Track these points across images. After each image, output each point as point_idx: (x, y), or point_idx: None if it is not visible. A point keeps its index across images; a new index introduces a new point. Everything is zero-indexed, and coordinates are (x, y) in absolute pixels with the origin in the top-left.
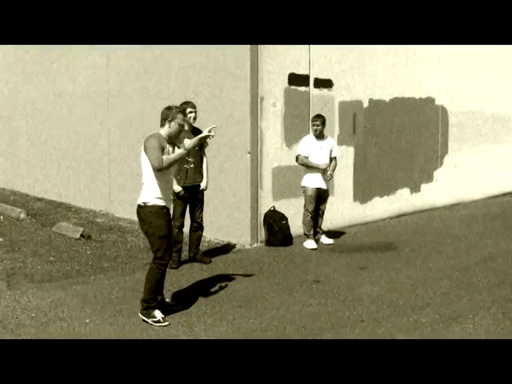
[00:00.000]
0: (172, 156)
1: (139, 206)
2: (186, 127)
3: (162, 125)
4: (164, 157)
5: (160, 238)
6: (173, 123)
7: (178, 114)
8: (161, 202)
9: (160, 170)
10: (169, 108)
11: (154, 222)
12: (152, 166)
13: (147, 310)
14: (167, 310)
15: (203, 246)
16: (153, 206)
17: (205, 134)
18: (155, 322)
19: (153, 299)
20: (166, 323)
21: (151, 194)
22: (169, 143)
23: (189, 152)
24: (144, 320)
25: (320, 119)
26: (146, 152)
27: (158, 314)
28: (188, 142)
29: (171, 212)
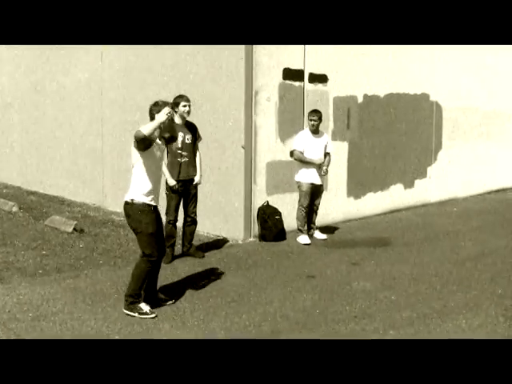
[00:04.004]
0: (150, 123)
1: (126, 203)
2: (180, 121)
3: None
4: (143, 126)
5: (148, 236)
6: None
7: (165, 107)
8: (148, 200)
9: (145, 139)
10: (156, 104)
11: (141, 220)
12: (136, 137)
13: (132, 304)
14: (159, 305)
15: (196, 241)
16: (140, 204)
17: (163, 116)
18: (142, 314)
19: (138, 295)
20: (153, 315)
21: (139, 190)
22: (160, 138)
23: (182, 146)
24: (129, 315)
25: (317, 114)
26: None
27: (144, 306)
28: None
29: (165, 206)
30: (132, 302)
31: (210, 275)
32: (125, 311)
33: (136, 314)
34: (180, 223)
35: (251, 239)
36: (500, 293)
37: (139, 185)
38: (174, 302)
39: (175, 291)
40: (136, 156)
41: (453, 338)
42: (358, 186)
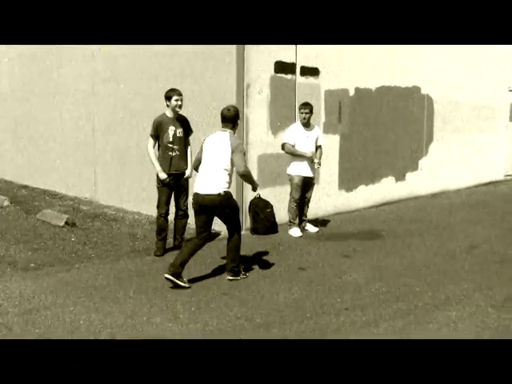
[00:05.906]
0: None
1: (219, 195)
2: (172, 115)
3: (232, 126)
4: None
5: (238, 213)
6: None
7: None
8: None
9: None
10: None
11: (234, 203)
12: (238, 168)
13: (237, 272)
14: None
15: (188, 234)
16: (229, 192)
17: None
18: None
19: (238, 264)
20: (246, 275)
21: (227, 182)
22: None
23: (173, 140)
24: (235, 279)
25: (308, 107)
26: (235, 151)
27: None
28: None
29: (156, 200)
30: (238, 271)
31: (202, 268)
32: (230, 278)
33: (239, 277)
34: (171, 217)
35: (243, 232)
36: (489, 284)
37: (227, 180)
38: (247, 276)
39: (166, 284)
40: (229, 161)
41: (443, 329)
42: (349, 178)
